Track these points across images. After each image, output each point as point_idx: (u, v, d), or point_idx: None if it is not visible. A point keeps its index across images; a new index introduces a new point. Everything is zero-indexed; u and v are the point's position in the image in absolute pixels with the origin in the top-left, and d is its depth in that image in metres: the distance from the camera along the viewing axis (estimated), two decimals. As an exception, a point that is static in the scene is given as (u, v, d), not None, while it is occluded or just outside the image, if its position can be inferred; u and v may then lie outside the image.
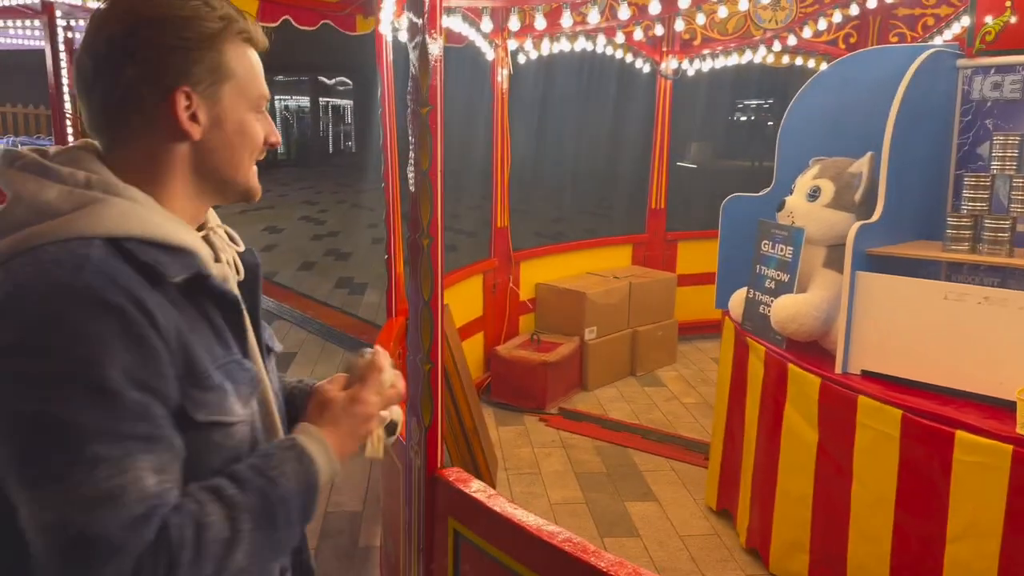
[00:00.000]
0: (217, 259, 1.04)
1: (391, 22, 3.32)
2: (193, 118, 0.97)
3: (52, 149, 0.98)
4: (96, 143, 1.00)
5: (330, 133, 29.04)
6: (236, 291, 1.05)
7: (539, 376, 4.72)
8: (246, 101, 1.02)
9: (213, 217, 1.10)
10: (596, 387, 5.15)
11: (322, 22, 5.04)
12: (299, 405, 1.17)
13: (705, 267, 5.62)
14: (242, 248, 1.13)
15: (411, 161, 1.94)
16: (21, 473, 0.83)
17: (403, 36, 3.75)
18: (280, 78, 25.10)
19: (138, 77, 0.94)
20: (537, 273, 5.42)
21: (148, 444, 0.85)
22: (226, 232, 1.11)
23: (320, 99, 27.79)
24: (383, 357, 1.16)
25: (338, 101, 29.13)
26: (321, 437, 1.05)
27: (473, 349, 4.88)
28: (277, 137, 1.09)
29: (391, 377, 1.17)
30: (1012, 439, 2.22)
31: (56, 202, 0.90)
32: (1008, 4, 2.92)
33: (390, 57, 3.48)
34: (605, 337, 5.19)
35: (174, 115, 0.96)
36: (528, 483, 3.89)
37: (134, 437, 0.84)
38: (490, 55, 4.78)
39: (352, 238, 11.64)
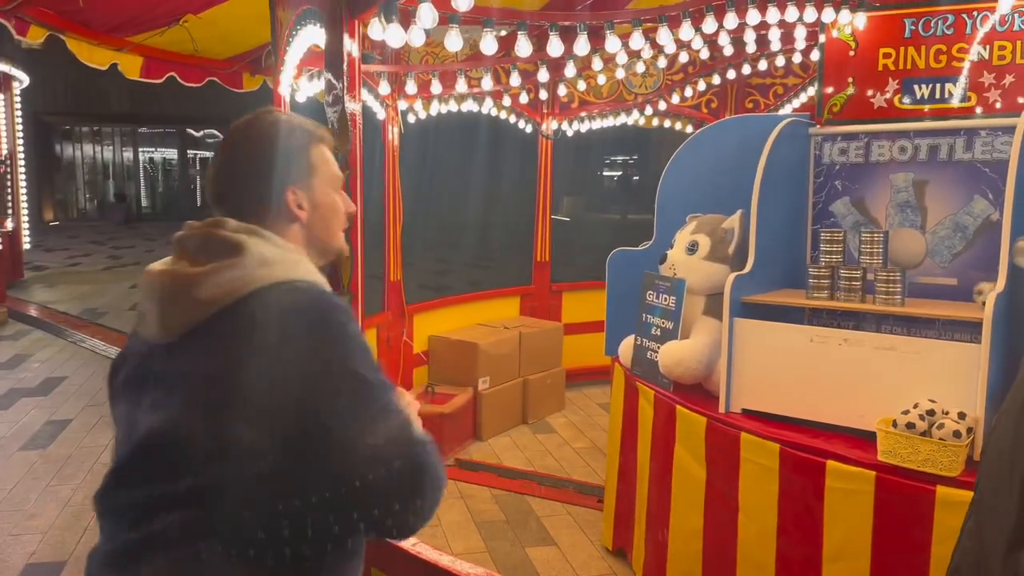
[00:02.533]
0: None
1: (290, 83, 3.39)
2: (300, 207, 1.34)
3: (232, 222, 1.29)
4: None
5: (198, 186, 28.10)
6: None
7: (435, 428, 4.76)
8: (330, 185, 1.40)
9: None
10: (490, 436, 5.24)
11: (208, 79, 5.04)
12: None
13: (588, 316, 5.90)
14: None
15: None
16: (356, 415, 1.13)
17: (301, 97, 3.83)
18: (144, 130, 24.17)
19: (264, 186, 1.32)
20: (429, 325, 5.50)
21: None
22: None
23: (188, 151, 26.92)
24: None
25: (207, 154, 28.29)
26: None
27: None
28: (352, 207, 1.46)
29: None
30: (875, 466, 2.47)
31: (277, 258, 1.24)
32: (849, 79, 3.34)
33: (288, 117, 3.52)
34: (498, 387, 5.32)
35: (288, 207, 1.33)
36: (428, 535, 3.91)
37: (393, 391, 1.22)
38: (381, 115, 4.91)
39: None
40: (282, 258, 1.24)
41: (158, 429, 1.17)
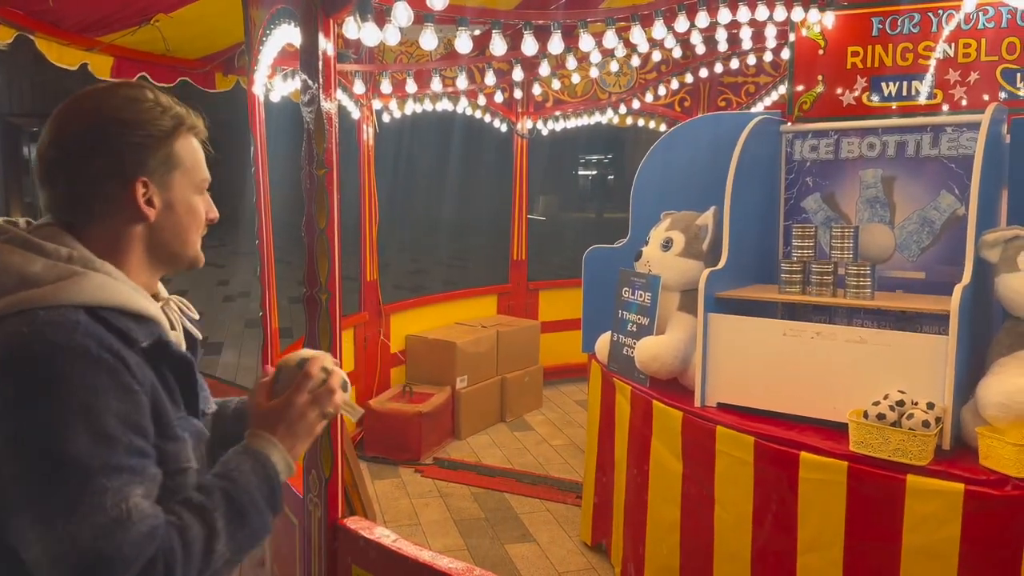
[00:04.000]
0: (173, 327, 1.17)
1: (264, 83, 3.38)
2: (149, 203, 1.12)
3: (23, 221, 1.08)
4: (61, 219, 1.10)
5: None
6: (190, 355, 1.16)
7: (414, 427, 4.77)
8: (192, 185, 1.18)
9: (163, 289, 1.22)
10: (469, 435, 5.26)
11: (180, 79, 4.99)
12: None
13: (565, 314, 5.93)
14: (196, 316, 1.25)
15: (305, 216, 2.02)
16: (35, 511, 0.93)
17: (275, 97, 3.82)
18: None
19: (103, 169, 1.08)
20: (406, 325, 5.50)
21: (141, 476, 0.98)
22: (179, 303, 1.23)
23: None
24: (313, 364, 1.23)
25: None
26: (268, 435, 1.17)
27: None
28: (215, 213, 1.23)
29: (319, 380, 1.23)
30: (847, 456, 2.52)
31: (41, 273, 1.02)
32: (819, 78, 3.39)
33: (262, 116, 3.52)
34: (476, 385, 5.33)
35: (133, 201, 1.10)
36: (408, 534, 3.91)
37: (130, 470, 0.97)
38: (355, 114, 4.90)
39: (200, 297, 11.19)
40: (52, 274, 1.02)
41: None
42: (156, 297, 1.19)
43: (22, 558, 0.95)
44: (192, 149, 1.17)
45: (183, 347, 1.18)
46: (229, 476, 1.09)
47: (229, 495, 1.07)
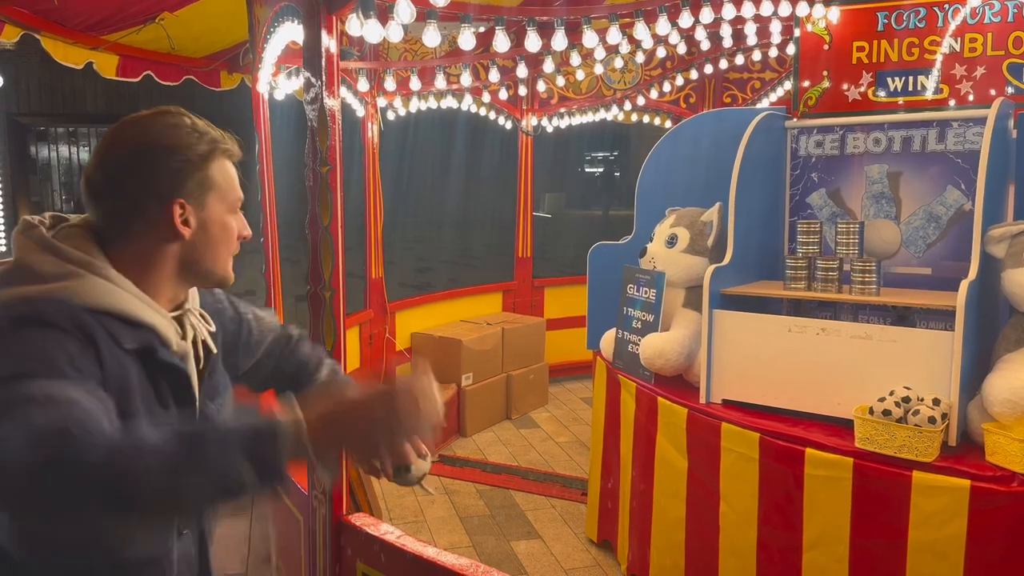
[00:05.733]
0: (184, 336, 1.22)
1: (268, 81, 3.38)
2: (185, 223, 1.19)
3: (49, 217, 1.20)
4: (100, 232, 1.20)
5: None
6: (187, 365, 1.21)
7: (418, 424, 4.77)
8: (226, 205, 1.25)
9: (193, 299, 1.28)
10: (474, 432, 5.26)
11: (185, 78, 5.00)
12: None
13: (570, 311, 5.92)
14: (213, 329, 1.31)
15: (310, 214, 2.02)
16: None
17: (280, 95, 3.82)
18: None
19: (143, 191, 1.17)
20: (412, 322, 5.51)
21: (87, 393, 1.01)
22: (201, 314, 1.30)
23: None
24: (422, 382, 1.03)
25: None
26: (295, 405, 1.00)
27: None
28: (248, 231, 1.31)
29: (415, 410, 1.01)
30: (852, 452, 2.51)
31: (48, 271, 1.11)
32: (824, 73, 3.38)
33: (267, 115, 3.53)
34: (481, 383, 5.33)
35: (170, 221, 1.18)
36: (414, 531, 3.92)
37: (75, 386, 1.00)
38: (360, 112, 4.90)
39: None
40: (58, 274, 1.11)
41: None
42: (179, 307, 1.25)
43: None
44: (226, 171, 1.25)
45: (190, 356, 1.23)
46: (205, 424, 1.13)
47: (195, 430, 0.99)
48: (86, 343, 1.05)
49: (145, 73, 4.64)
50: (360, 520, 2.00)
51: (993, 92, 3.02)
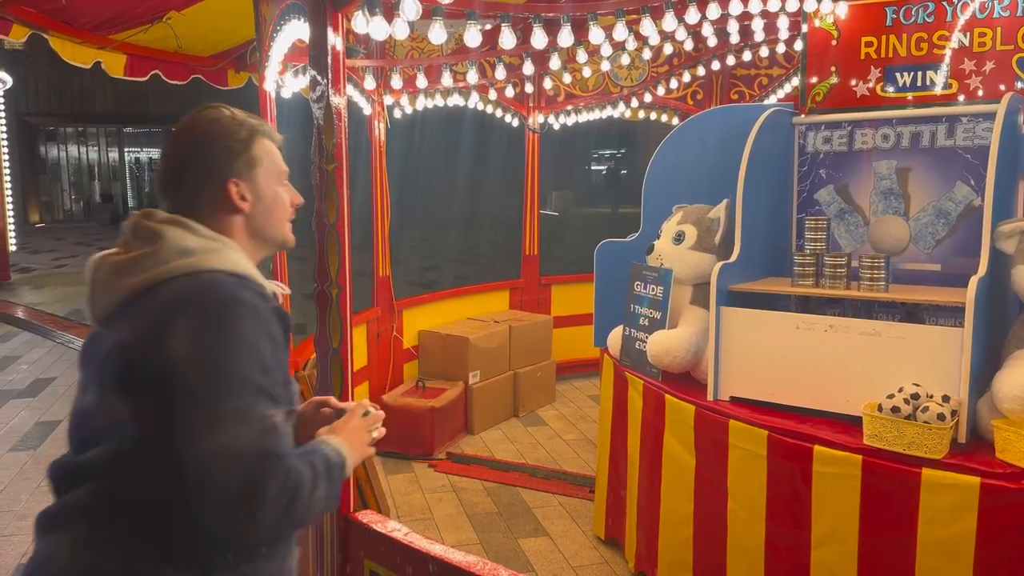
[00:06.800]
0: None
1: (275, 79, 3.38)
2: (242, 198, 1.38)
3: (162, 215, 1.34)
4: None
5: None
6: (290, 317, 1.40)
7: (426, 422, 4.78)
8: (274, 177, 1.43)
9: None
10: (481, 430, 5.26)
11: (192, 76, 5.02)
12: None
13: (577, 309, 5.92)
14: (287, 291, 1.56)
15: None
16: (209, 416, 1.13)
17: (287, 93, 3.83)
18: (129, 130, 23.97)
19: (203, 178, 1.36)
20: (419, 320, 5.51)
21: (278, 407, 1.22)
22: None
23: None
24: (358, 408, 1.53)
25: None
26: (332, 435, 1.41)
27: (359, 398, 4.88)
28: (299, 198, 1.49)
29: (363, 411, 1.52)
30: (861, 449, 2.50)
31: (195, 247, 1.29)
32: (832, 69, 3.36)
33: (274, 113, 3.53)
34: (488, 380, 5.33)
35: (230, 198, 1.37)
36: (422, 528, 3.92)
37: (275, 400, 1.21)
38: (367, 110, 4.90)
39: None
40: (202, 247, 1.28)
41: (79, 407, 1.29)
42: None
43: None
44: (268, 149, 1.42)
45: None
46: (312, 450, 1.31)
47: (314, 458, 1.28)
48: (266, 314, 1.24)
49: (153, 72, 4.66)
50: (368, 517, 2.00)
51: (1003, 87, 3.00)
